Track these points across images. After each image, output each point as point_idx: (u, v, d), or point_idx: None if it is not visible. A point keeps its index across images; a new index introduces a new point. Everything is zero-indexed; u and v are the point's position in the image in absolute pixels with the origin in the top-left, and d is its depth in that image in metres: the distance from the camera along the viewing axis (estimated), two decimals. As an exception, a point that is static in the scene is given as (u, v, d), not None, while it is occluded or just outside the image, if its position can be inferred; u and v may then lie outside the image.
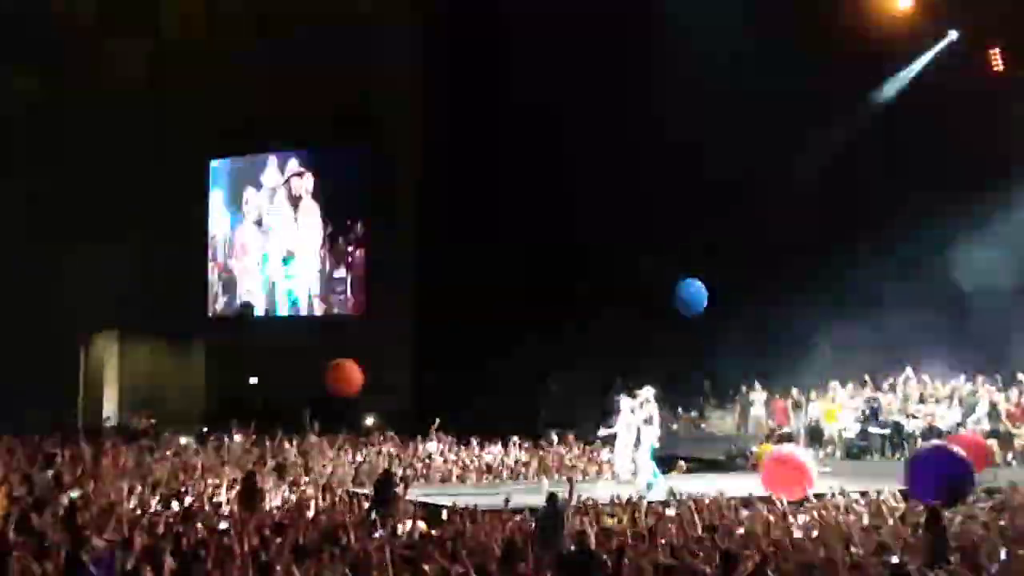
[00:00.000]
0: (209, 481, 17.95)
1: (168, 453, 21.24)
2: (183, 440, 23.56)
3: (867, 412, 24.70)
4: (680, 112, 24.62)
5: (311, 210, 31.46)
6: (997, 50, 25.33)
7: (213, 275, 33.50)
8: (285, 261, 31.94)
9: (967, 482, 16.44)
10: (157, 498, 15.93)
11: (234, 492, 16.78)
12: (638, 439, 20.13)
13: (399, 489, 16.12)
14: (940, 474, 16.23)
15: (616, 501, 15.82)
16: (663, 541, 12.15)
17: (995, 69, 25.40)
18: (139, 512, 14.32)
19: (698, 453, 23.79)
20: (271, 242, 32.37)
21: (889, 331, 24.79)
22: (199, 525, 12.87)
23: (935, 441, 19.78)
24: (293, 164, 31.95)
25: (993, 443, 22.51)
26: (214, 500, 16.11)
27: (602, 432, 22.54)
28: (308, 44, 30.04)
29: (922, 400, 24.64)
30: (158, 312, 32.51)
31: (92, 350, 34.56)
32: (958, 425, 23.46)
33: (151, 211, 32.00)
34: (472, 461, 21.91)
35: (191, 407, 32.28)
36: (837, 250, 25.72)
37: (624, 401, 20.49)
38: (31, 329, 33.09)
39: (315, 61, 29.84)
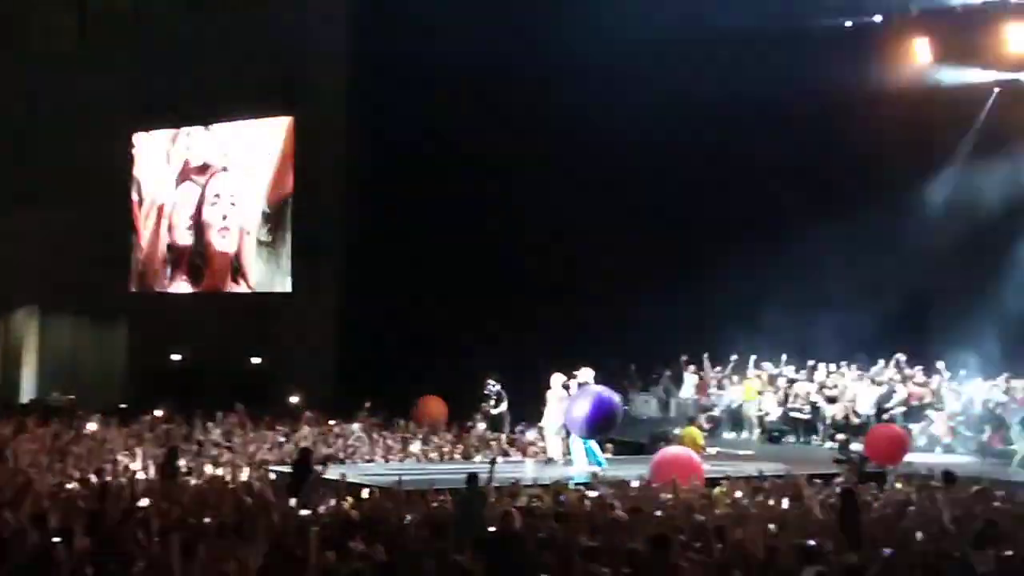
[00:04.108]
0: (128, 458, 17.77)
1: (87, 430, 20.97)
2: (103, 417, 23.25)
3: (787, 394, 25.07)
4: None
5: (239, 184, 31.11)
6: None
7: (136, 251, 33.03)
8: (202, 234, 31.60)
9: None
10: (75, 475, 15.74)
11: (154, 469, 16.64)
12: None
13: (318, 468, 16.06)
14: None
15: (540, 482, 15.88)
16: (586, 522, 12.21)
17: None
18: (56, 489, 14.14)
19: (622, 436, 23.92)
20: (199, 216, 31.93)
21: (808, 319, 25.15)
22: (117, 503, 12.73)
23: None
24: (219, 137, 31.57)
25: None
26: (134, 477, 15.94)
27: (494, 412, 23.29)
28: (236, 17, 29.77)
29: (832, 387, 24.88)
30: (79, 288, 32.07)
31: (11, 326, 34.02)
32: (877, 410, 23.79)
33: (74, 184, 31.52)
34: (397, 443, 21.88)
35: (112, 384, 31.90)
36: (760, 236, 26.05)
37: (555, 381, 20.57)
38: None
39: (242, 33, 29.57)
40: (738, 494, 15.18)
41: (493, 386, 24.51)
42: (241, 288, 30.92)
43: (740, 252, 25.36)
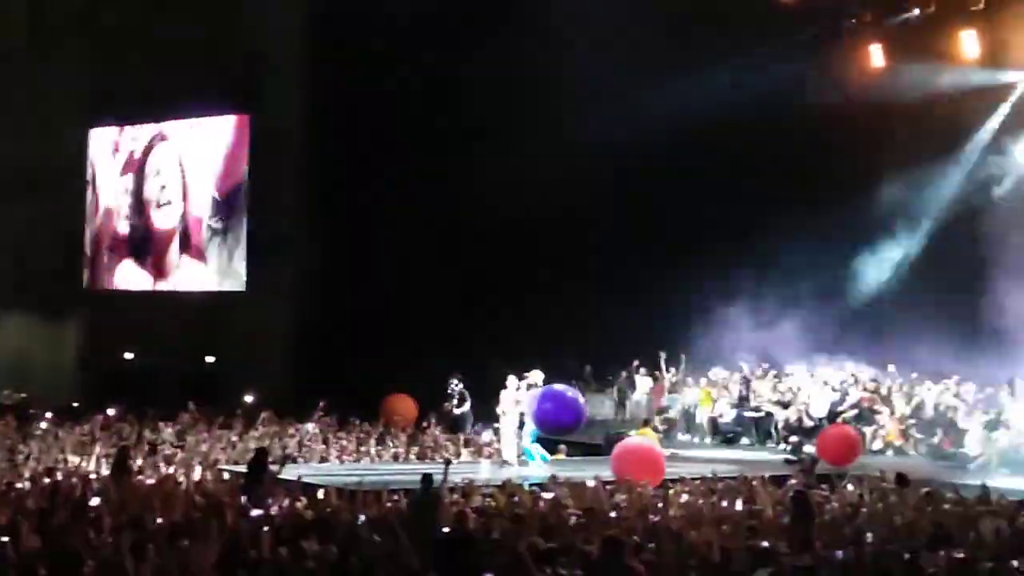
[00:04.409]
0: (80, 457, 17.62)
1: (39, 429, 20.76)
2: (54, 415, 23.01)
3: (741, 396, 25.17)
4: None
5: (193, 181, 30.87)
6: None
7: (87, 247, 32.75)
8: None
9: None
10: (26, 474, 15.59)
11: (106, 469, 16.50)
12: (522, 422, 20.25)
13: (274, 468, 15.98)
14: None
15: (494, 483, 15.87)
16: (540, 524, 12.21)
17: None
18: (6, 488, 14.01)
19: (577, 437, 23.95)
20: (152, 214, 31.68)
21: (767, 321, 25.29)
22: (68, 502, 12.62)
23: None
24: (175, 132, 31.32)
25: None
26: (85, 476, 15.80)
27: (457, 411, 23.29)
28: (192, 12, 29.55)
29: (785, 391, 25.01)
30: (31, 285, 31.76)
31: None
32: (830, 414, 23.92)
33: (27, 181, 31.19)
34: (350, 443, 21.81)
35: (64, 382, 31.57)
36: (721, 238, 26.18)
37: (510, 384, 20.58)
38: None
39: (198, 29, 29.36)
40: (692, 496, 15.23)
41: (456, 386, 24.44)
42: (193, 261, 30.58)
43: (700, 252, 25.47)
